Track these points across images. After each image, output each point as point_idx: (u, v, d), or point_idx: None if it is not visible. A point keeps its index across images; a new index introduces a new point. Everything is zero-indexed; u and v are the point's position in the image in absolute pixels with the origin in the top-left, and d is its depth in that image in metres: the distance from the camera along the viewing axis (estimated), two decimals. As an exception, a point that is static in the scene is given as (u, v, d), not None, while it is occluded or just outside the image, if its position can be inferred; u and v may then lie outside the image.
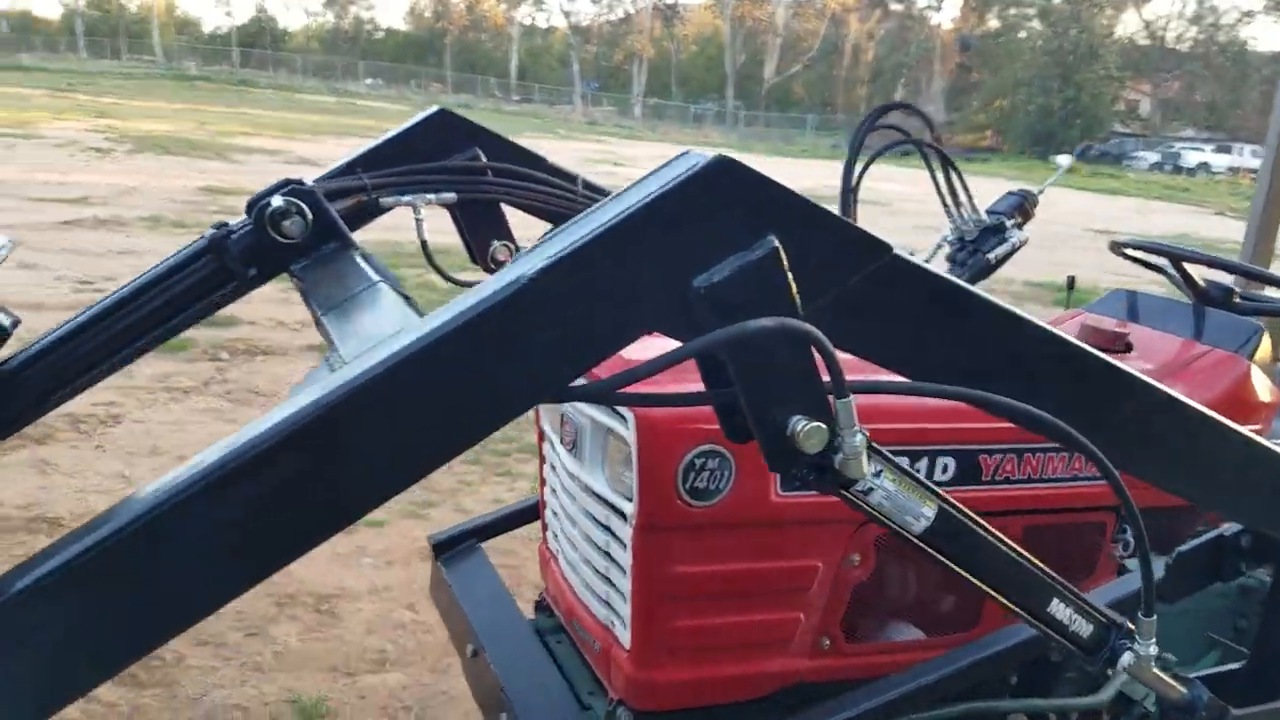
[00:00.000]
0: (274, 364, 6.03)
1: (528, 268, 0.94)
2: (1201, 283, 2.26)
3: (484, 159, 1.88)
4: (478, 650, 1.81)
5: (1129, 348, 2.05)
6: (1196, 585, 1.68)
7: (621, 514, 1.57)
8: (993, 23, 55.70)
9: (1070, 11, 48.39)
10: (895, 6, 61.97)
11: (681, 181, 0.95)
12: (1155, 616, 1.23)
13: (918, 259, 1.09)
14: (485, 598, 1.96)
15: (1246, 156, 38.72)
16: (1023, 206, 2.52)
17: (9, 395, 1.45)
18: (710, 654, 1.62)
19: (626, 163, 26.11)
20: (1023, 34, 52.06)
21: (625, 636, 1.61)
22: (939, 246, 2.51)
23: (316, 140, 21.63)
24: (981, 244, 2.47)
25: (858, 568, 1.66)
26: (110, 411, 4.92)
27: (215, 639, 3.06)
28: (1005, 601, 1.23)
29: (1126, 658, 1.25)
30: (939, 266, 2.50)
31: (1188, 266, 2.26)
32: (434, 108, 1.91)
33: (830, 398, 1.03)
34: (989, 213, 2.51)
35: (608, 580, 1.66)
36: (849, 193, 2.45)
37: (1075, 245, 14.67)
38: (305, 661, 2.99)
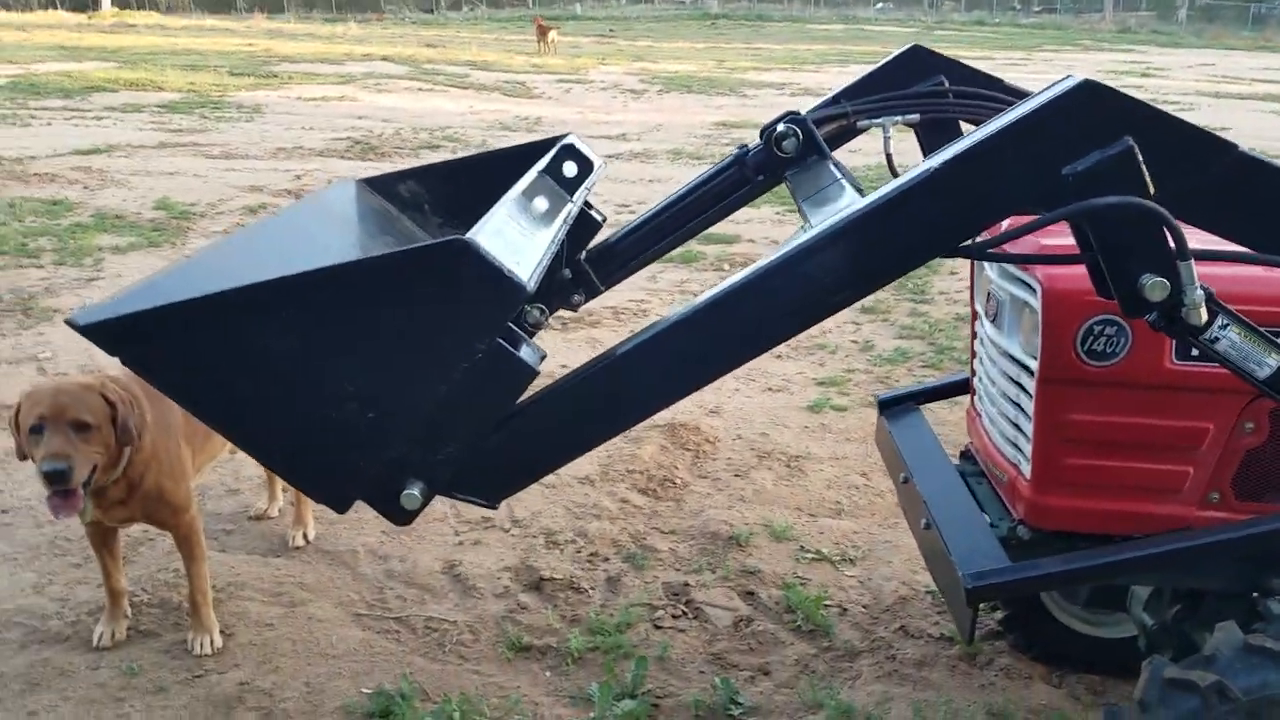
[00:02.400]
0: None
1: (937, 160, 1.42)
2: None
3: (947, 85, 2.30)
4: (908, 478, 2.31)
5: None
6: None
7: (1029, 370, 1.94)
8: None
9: None
10: None
11: (1053, 98, 1.36)
12: None
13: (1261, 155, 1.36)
14: (919, 443, 2.44)
15: None
16: None
17: (610, 260, 2.25)
18: (1100, 490, 1.93)
19: (1156, 73, 23.39)
20: None
21: (1028, 470, 1.99)
22: None
23: (821, 70, 22.54)
24: None
25: (1250, 435, 1.86)
26: (640, 307, 6.12)
27: (711, 475, 3.93)
28: None
29: None
30: None
31: None
32: (909, 45, 2.38)
33: (1176, 261, 1.37)
34: None
35: (1016, 426, 2.05)
36: None
37: None
38: (777, 500, 3.73)
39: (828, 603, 3.05)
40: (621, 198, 8.64)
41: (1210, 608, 1.98)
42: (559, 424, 1.56)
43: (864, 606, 3.04)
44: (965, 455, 2.46)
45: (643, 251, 2.25)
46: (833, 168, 1.96)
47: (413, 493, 1.50)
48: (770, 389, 4.87)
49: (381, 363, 1.45)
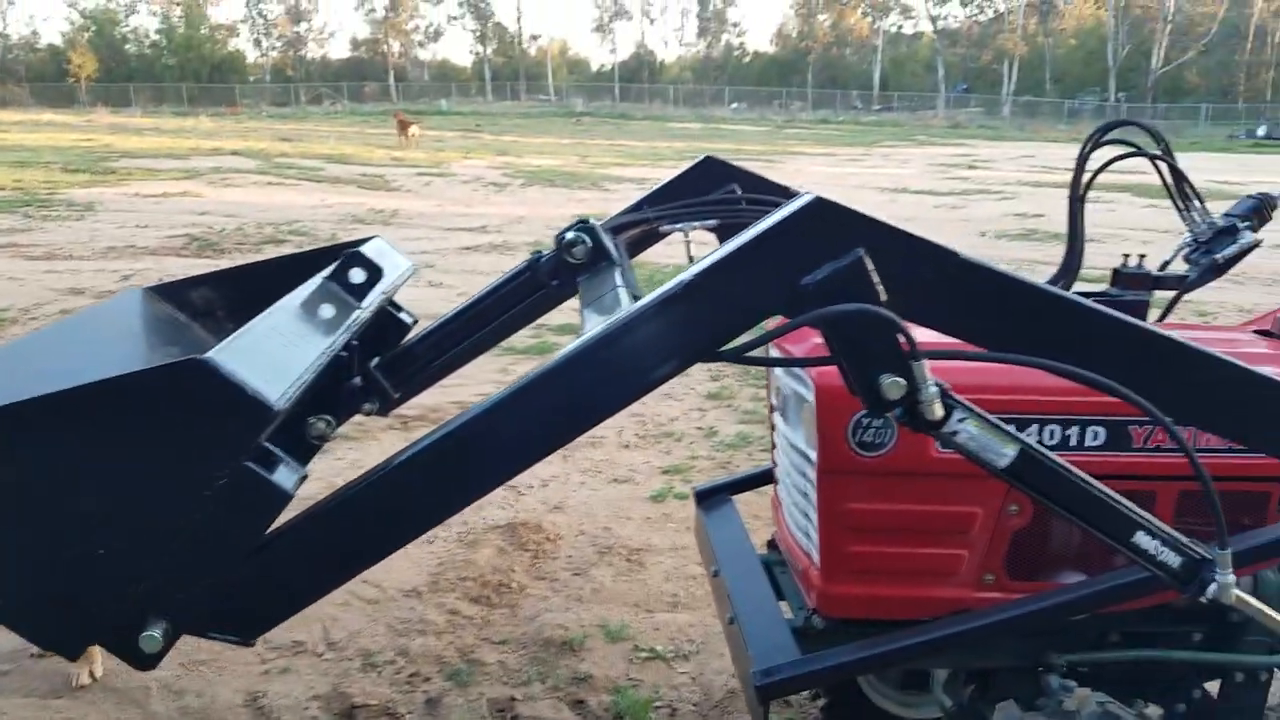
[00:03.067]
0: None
1: (688, 274, 1.46)
2: None
3: (739, 193, 2.41)
4: (718, 571, 2.33)
5: None
6: None
7: (811, 461, 2.00)
8: None
9: None
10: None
11: (789, 215, 1.43)
12: (1229, 550, 1.48)
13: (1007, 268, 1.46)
14: (729, 535, 2.47)
15: None
16: (1260, 210, 2.58)
17: (406, 366, 2.21)
18: (884, 576, 1.98)
19: (982, 164, 25.21)
20: None
21: (817, 559, 2.04)
22: (1179, 249, 2.64)
23: (679, 165, 23.18)
24: (1214, 246, 2.58)
25: (1016, 517, 1.95)
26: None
27: (550, 575, 3.86)
28: (1094, 531, 1.52)
29: (1214, 588, 1.49)
30: (1178, 267, 2.68)
31: None
32: (703, 156, 2.49)
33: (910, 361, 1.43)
34: (1225, 215, 2.60)
35: (806, 515, 2.10)
36: (1076, 201, 2.64)
37: None
38: (615, 597, 3.68)
39: (658, 704, 3.00)
40: (478, 289, 8.59)
41: (1000, 685, 2.06)
42: (319, 550, 1.48)
43: (694, 704, 3.01)
44: (771, 545, 2.50)
45: (439, 357, 2.22)
46: (616, 275, 2.00)
47: (153, 634, 1.39)
48: (616, 480, 4.87)
49: (118, 491, 1.36)
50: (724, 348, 1.51)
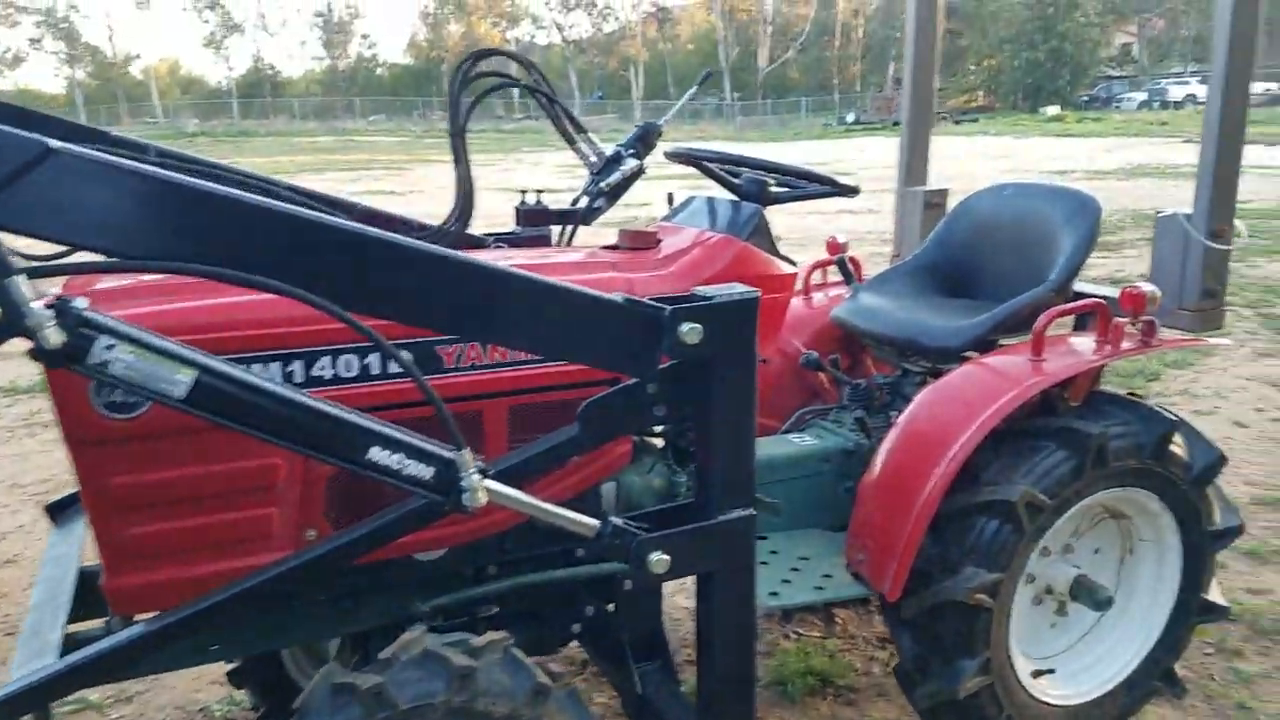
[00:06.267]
0: None
1: None
2: (739, 181, 2.44)
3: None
4: None
5: (657, 243, 2.23)
6: (610, 434, 1.75)
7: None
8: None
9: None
10: (880, -20, 61.69)
11: None
12: (466, 449, 1.40)
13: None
14: (64, 551, 2.05)
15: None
16: (644, 138, 2.71)
17: None
18: (181, 557, 1.67)
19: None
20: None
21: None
22: (587, 185, 2.72)
23: (295, 179, 22.02)
24: (603, 175, 2.68)
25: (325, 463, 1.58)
26: None
27: None
28: (324, 457, 1.34)
29: (469, 484, 1.39)
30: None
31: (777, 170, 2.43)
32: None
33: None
34: (620, 146, 2.71)
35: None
36: (457, 137, 2.61)
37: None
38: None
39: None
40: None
41: (377, 648, 1.84)
42: None
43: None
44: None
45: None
46: None
47: None
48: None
49: None
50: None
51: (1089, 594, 2.35)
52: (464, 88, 2.65)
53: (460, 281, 1.39)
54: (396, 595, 1.92)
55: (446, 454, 1.40)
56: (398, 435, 1.37)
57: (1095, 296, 2.47)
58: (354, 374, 1.74)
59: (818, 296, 3.23)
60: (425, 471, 1.38)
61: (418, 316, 1.43)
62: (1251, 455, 4.45)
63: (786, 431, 2.90)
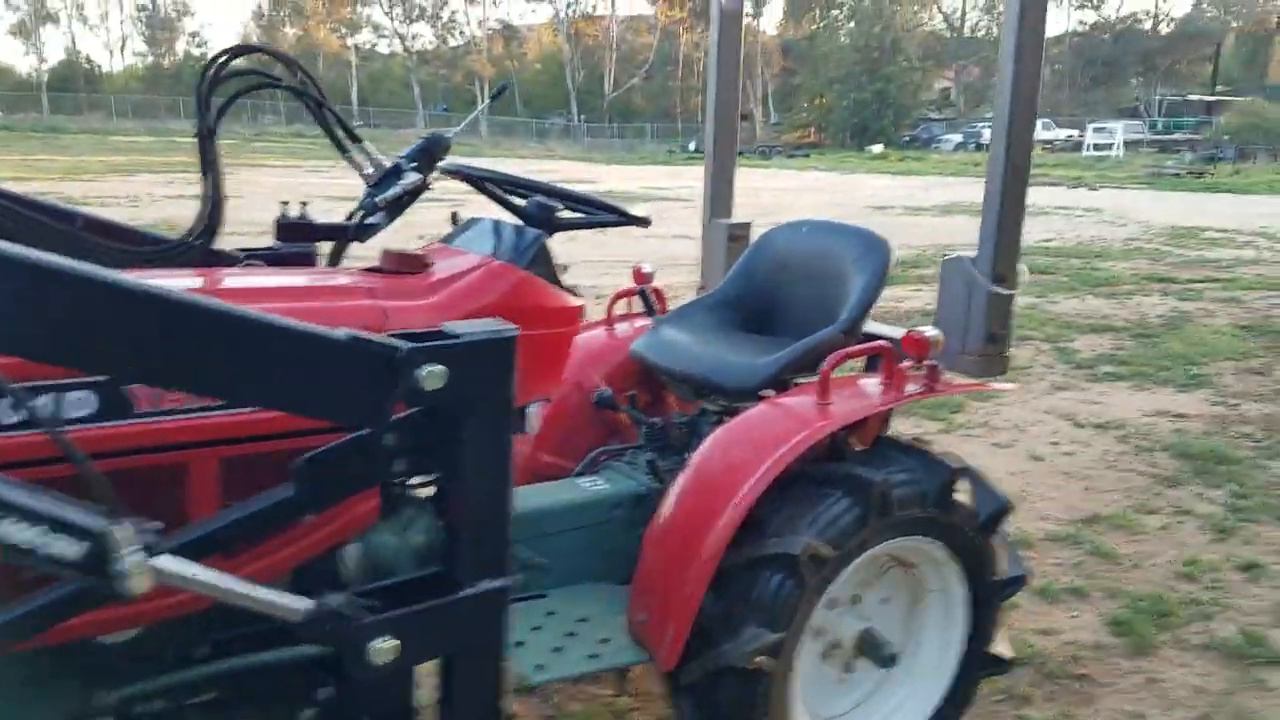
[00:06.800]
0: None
1: None
2: (523, 204, 2.25)
3: None
4: None
5: (426, 268, 1.99)
6: (337, 494, 1.56)
7: None
8: (809, 26, 58.83)
9: (874, 10, 51.36)
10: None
11: None
12: (125, 522, 1.10)
13: None
14: None
15: (1038, 130, 42.02)
16: (428, 150, 2.51)
17: None
18: None
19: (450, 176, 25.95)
20: (843, 36, 54.83)
21: None
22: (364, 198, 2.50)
23: (102, 179, 20.63)
24: (382, 188, 2.46)
25: None
26: None
27: None
28: None
29: (126, 566, 1.09)
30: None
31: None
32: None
33: None
34: (400, 158, 2.51)
35: None
36: (205, 139, 2.36)
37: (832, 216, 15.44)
38: None
39: None
40: None
41: None
42: None
43: None
44: None
45: None
46: None
47: None
48: None
49: None
50: None
51: (875, 649, 2.26)
52: (215, 86, 2.39)
53: (124, 310, 1.12)
54: (77, 686, 1.59)
55: (96, 527, 1.09)
56: (34, 504, 1.07)
57: (883, 338, 2.41)
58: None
59: (621, 328, 3.07)
60: (71, 549, 1.08)
61: (62, 354, 1.15)
62: (1045, 490, 4.59)
63: (579, 474, 2.72)
